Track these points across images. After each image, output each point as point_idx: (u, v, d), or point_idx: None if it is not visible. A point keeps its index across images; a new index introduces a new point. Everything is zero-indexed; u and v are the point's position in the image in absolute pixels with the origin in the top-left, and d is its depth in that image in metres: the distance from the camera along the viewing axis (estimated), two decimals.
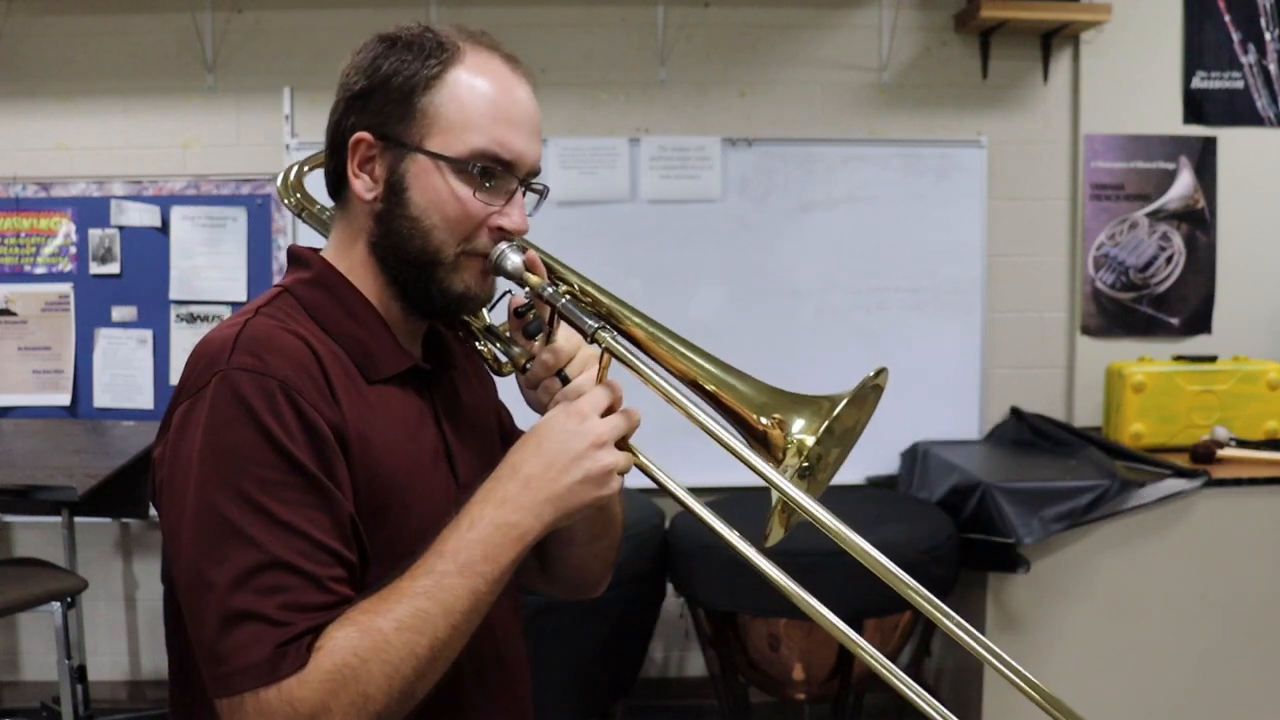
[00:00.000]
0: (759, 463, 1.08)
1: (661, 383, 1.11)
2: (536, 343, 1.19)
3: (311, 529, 0.97)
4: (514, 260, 1.14)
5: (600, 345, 1.11)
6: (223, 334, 1.04)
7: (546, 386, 1.18)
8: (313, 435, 1.00)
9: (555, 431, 1.07)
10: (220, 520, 0.95)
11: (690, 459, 1.31)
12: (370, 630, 0.95)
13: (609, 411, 1.10)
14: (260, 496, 0.96)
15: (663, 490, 1.11)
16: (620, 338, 1.13)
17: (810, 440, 1.10)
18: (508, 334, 1.24)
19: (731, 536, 1.10)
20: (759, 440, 1.12)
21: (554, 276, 1.20)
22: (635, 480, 1.38)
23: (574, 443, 1.06)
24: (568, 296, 1.15)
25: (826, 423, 1.10)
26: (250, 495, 0.96)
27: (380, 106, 1.10)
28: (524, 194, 1.17)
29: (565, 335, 1.18)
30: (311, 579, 0.96)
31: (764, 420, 1.13)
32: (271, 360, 1.01)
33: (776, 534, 1.16)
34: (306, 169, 1.42)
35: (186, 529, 0.96)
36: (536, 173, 1.18)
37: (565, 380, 1.17)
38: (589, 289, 1.22)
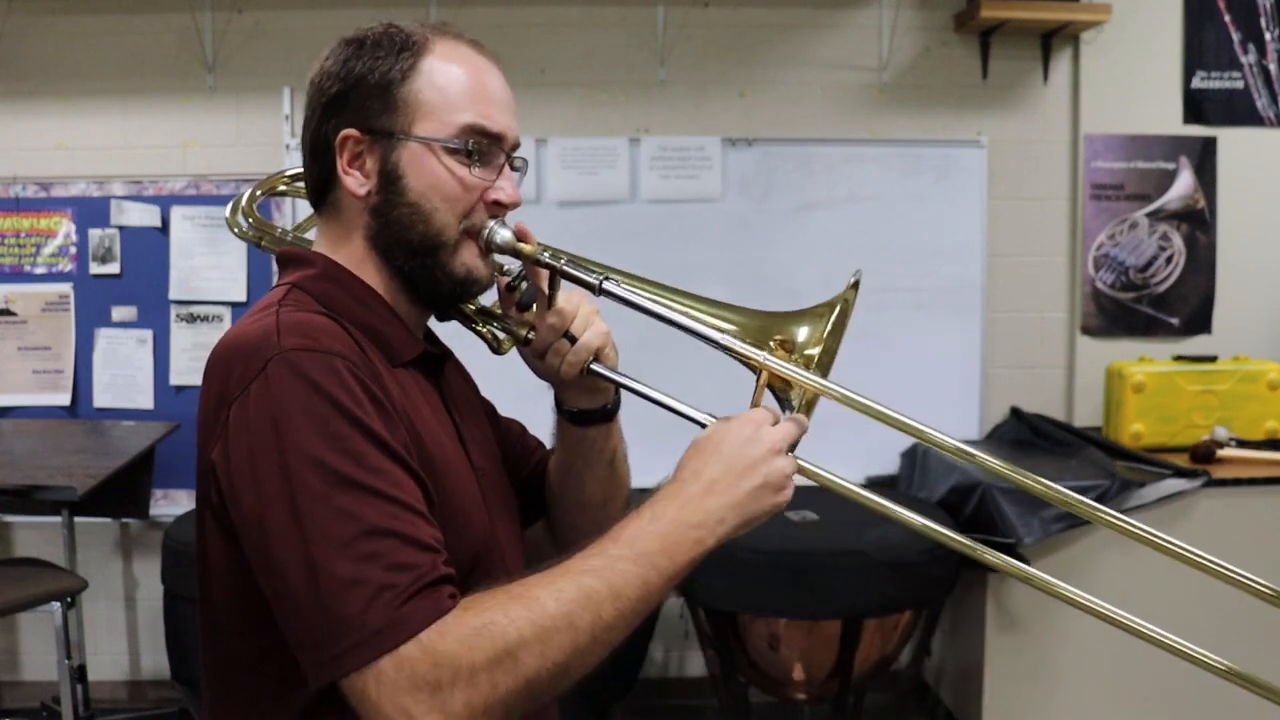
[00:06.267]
0: (783, 365, 1.14)
1: (674, 315, 1.15)
2: (532, 312, 1.21)
3: (399, 493, 0.97)
4: (504, 234, 1.16)
5: (610, 295, 1.15)
6: (260, 325, 1.04)
7: (556, 349, 1.21)
8: (378, 406, 1.01)
9: (733, 438, 1.08)
10: (310, 497, 0.94)
11: None
12: (525, 597, 0.95)
13: (776, 422, 1.12)
14: (344, 466, 0.95)
15: (832, 487, 1.13)
16: (622, 285, 1.16)
17: (815, 351, 1.17)
18: (500, 311, 1.26)
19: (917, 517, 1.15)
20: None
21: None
22: (636, 480, 1.38)
23: (752, 449, 1.08)
24: (565, 257, 1.18)
25: (828, 329, 1.17)
26: (334, 466, 0.95)
27: (360, 104, 1.12)
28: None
29: (564, 296, 1.20)
30: (409, 539, 0.95)
31: (770, 344, 1.18)
32: (323, 339, 1.02)
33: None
34: (260, 195, 1.44)
35: (275, 515, 0.95)
36: (517, 147, 1.19)
37: (573, 340, 1.20)
38: (565, 254, 1.24)
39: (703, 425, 1.14)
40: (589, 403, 1.27)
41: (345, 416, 0.97)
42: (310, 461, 0.95)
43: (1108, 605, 1.13)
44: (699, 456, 1.08)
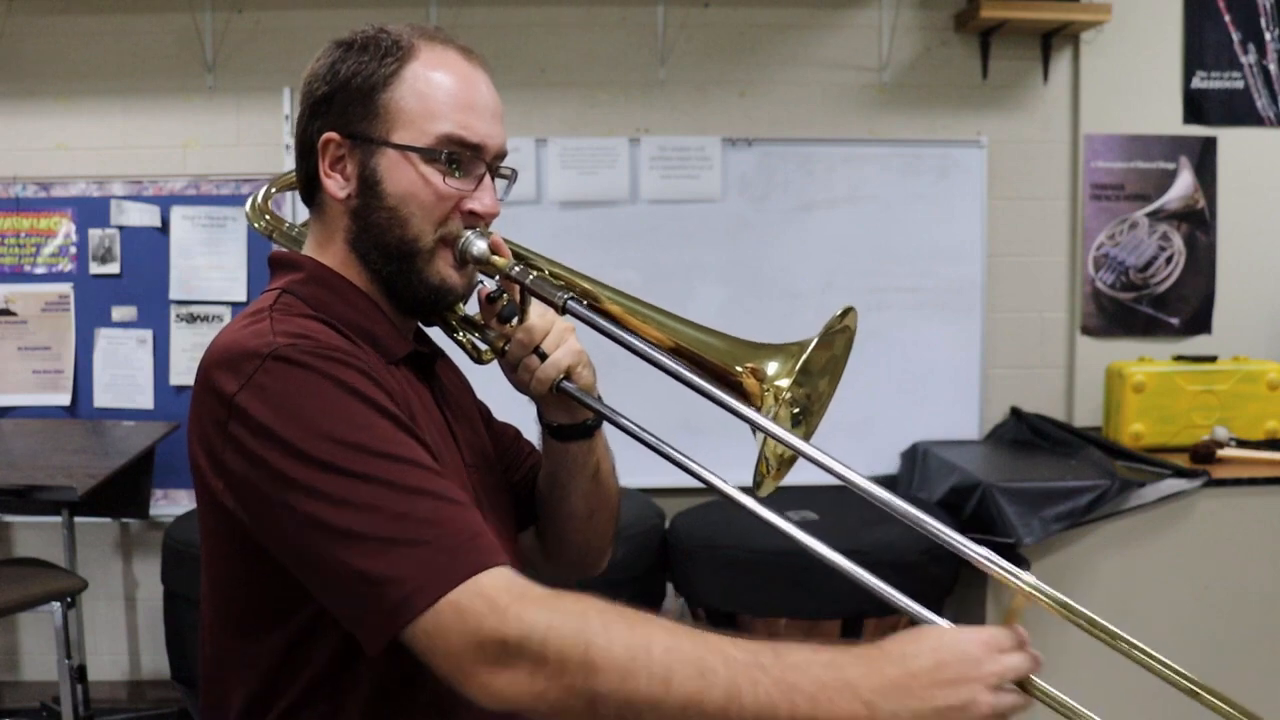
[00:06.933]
0: (745, 409, 1.11)
1: (636, 343, 1.15)
2: (513, 325, 1.21)
3: (418, 457, 0.98)
4: (479, 245, 1.15)
5: (575, 316, 1.15)
6: (253, 328, 1.05)
7: (526, 365, 1.21)
8: (380, 388, 1.02)
9: (960, 645, 0.94)
10: (326, 470, 0.95)
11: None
12: (638, 624, 0.92)
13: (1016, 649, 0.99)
14: (356, 436, 0.96)
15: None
16: (590, 309, 1.16)
17: (785, 383, 1.14)
18: (482, 322, 1.26)
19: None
20: (736, 390, 1.15)
21: (522, 260, 1.22)
22: (635, 479, 1.38)
23: (969, 668, 0.93)
24: (535, 274, 1.18)
25: (799, 365, 1.14)
26: (347, 439, 0.96)
27: (344, 108, 1.12)
28: (492, 179, 1.18)
29: (538, 313, 1.20)
30: (434, 494, 0.96)
31: (738, 369, 1.16)
32: (318, 336, 1.03)
33: (769, 486, 1.18)
34: (274, 191, 1.44)
35: (294, 495, 0.96)
36: (503, 156, 1.18)
37: (543, 357, 1.20)
38: (560, 273, 1.24)
39: (656, 449, 1.12)
40: (568, 418, 1.26)
41: (351, 393, 0.99)
42: (327, 438, 0.96)
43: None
44: (915, 642, 0.95)
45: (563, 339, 1.20)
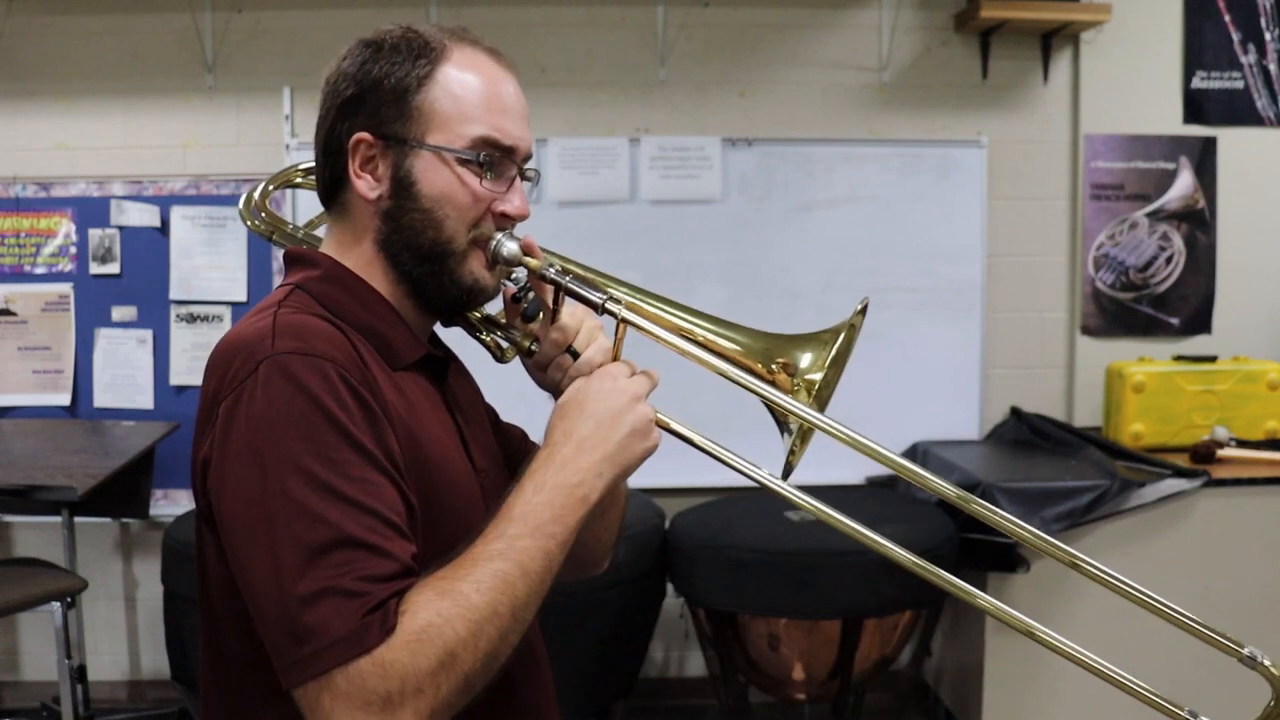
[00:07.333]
0: (783, 398, 1.16)
1: (676, 341, 1.17)
2: (537, 324, 1.21)
3: (377, 504, 0.97)
4: (510, 247, 1.16)
5: (614, 316, 1.16)
6: (256, 327, 1.05)
7: (558, 364, 1.21)
8: (368, 413, 1.01)
9: (595, 394, 1.12)
10: (287, 501, 0.95)
11: (687, 459, 1.32)
12: (451, 592, 0.96)
13: (633, 373, 1.16)
14: (325, 474, 0.96)
15: (686, 442, 1.16)
16: (628, 310, 1.17)
17: (818, 377, 1.19)
18: (505, 321, 1.26)
19: (750, 468, 1.16)
20: (770, 387, 1.18)
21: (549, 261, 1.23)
22: (636, 480, 1.38)
23: (614, 400, 1.11)
24: (570, 275, 1.19)
25: (830, 357, 1.19)
26: (315, 474, 0.95)
27: (375, 109, 1.12)
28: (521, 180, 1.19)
29: (568, 312, 1.21)
30: (382, 551, 0.95)
31: (771, 367, 1.21)
32: (317, 344, 1.02)
33: (796, 461, 1.24)
34: (272, 189, 1.43)
35: (251, 516, 0.96)
36: (529, 158, 1.20)
37: (575, 355, 1.20)
38: (571, 266, 1.25)
39: (702, 449, 1.16)
40: None
41: (332, 424, 0.98)
42: (292, 466, 0.96)
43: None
44: (566, 418, 1.11)
45: (593, 337, 1.21)
